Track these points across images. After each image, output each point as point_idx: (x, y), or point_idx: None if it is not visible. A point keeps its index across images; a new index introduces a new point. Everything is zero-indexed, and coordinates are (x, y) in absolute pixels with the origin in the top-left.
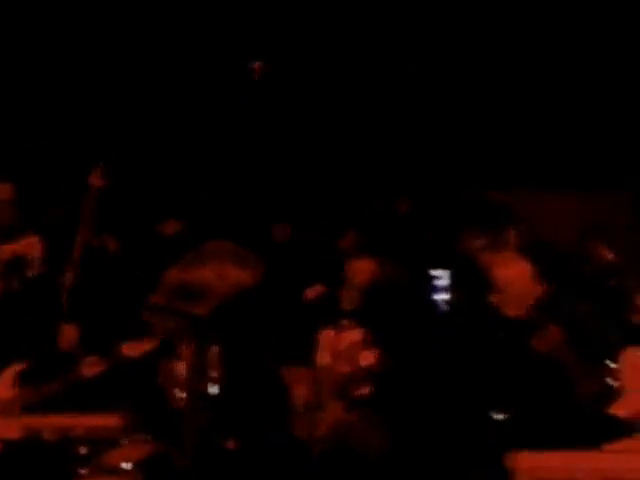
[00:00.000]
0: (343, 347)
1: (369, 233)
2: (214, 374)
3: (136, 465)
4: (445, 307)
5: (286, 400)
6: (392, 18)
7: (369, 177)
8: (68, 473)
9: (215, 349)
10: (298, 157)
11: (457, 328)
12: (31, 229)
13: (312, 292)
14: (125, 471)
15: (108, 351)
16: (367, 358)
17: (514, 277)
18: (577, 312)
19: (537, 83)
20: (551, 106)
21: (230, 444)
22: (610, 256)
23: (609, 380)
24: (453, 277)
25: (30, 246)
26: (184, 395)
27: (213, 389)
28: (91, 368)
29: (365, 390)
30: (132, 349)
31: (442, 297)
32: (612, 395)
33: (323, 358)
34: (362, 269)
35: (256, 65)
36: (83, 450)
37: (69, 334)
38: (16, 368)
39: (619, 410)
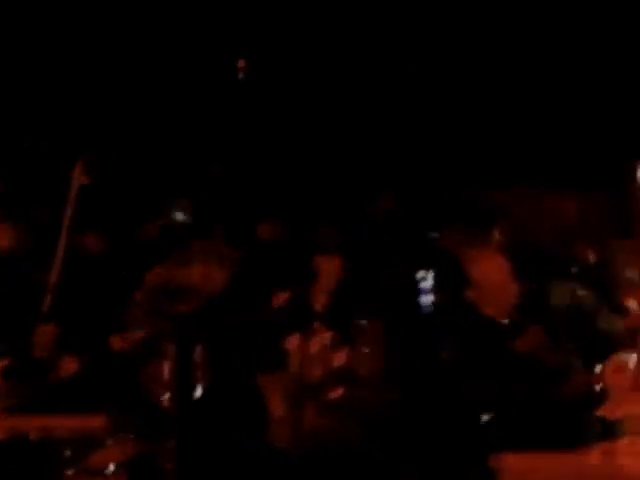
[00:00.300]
0: (314, 350)
1: (344, 231)
2: (198, 374)
3: (120, 465)
4: (429, 307)
5: (262, 406)
6: (392, 18)
7: (351, 173)
8: (53, 474)
9: (199, 349)
10: (282, 153)
11: (440, 328)
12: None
13: (280, 298)
14: (110, 472)
15: (91, 351)
16: (339, 359)
17: (489, 272)
18: (578, 296)
19: (533, 82)
20: (549, 106)
21: (213, 444)
22: (597, 255)
23: (594, 382)
24: (436, 277)
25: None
26: (168, 395)
27: (197, 389)
28: (70, 368)
29: (339, 392)
30: (119, 342)
31: (425, 297)
32: (597, 397)
33: (293, 363)
34: (332, 269)
35: (241, 63)
36: (67, 451)
37: (47, 334)
38: None
39: (604, 412)
